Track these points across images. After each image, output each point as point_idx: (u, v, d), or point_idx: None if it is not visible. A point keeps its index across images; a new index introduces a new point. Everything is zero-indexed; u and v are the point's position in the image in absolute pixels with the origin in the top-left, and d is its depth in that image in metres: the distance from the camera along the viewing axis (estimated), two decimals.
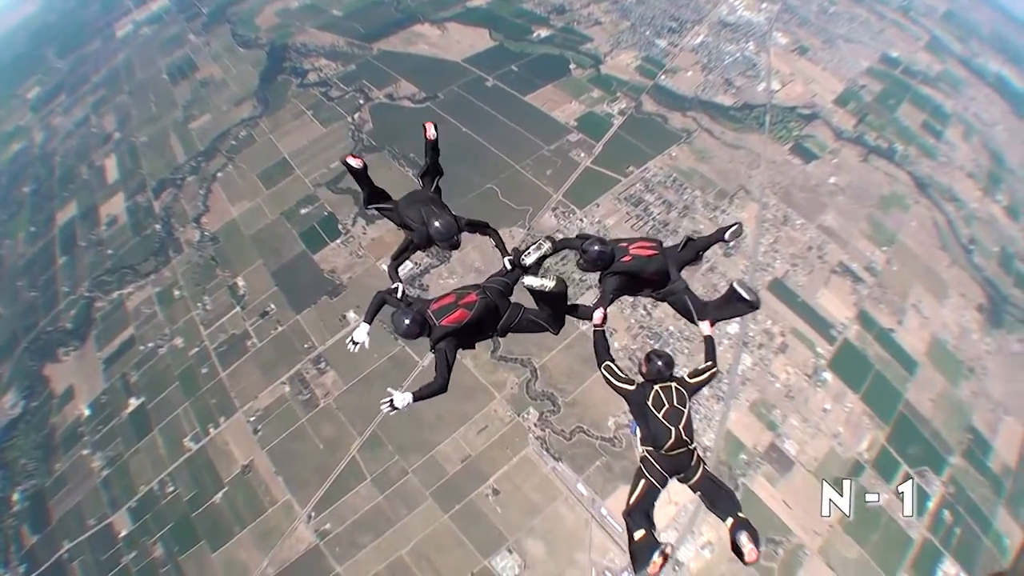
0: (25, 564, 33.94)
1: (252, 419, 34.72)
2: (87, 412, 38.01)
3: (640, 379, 6.79)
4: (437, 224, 7.32)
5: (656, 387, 6.50)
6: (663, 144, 45.40)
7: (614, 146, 45.20)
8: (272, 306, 38.87)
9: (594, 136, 45.78)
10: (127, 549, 32.79)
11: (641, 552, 5.73)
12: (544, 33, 55.16)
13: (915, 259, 40.10)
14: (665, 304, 7.91)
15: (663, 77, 50.80)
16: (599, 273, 7.56)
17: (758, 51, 53.33)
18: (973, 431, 33.87)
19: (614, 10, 57.83)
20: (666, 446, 6.25)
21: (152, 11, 71.68)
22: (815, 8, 59.29)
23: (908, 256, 40.09)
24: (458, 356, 6.89)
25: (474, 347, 7.27)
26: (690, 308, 7.52)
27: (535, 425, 32.54)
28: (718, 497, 6.18)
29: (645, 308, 34.72)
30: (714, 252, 34.45)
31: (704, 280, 35.25)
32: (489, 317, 7.11)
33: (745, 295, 7.17)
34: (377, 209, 8.32)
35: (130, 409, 37.31)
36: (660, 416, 6.32)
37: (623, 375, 6.71)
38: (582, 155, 44.49)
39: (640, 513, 6.11)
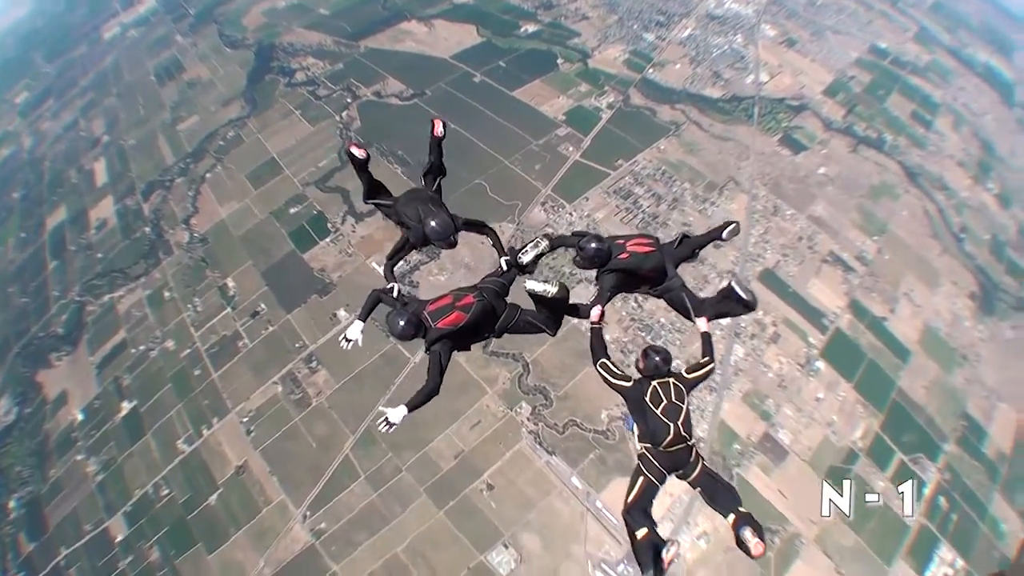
0: (23, 572, 33.89)
1: (245, 420, 34.64)
2: (80, 417, 37.85)
3: (636, 375, 6.71)
4: (434, 223, 7.19)
5: (654, 383, 6.44)
6: (652, 137, 45.39)
7: (603, 140, 45.15)
8: (262, 306, 38.73)
9: (582, 130, 45.73)
10: (123, 554, 32.71)
11: (646, 551, 5.70)
12: (531, 28, 54.99)
13: (906, 248, 40.19)
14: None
15: (651, 71, 50.75)
16: (595, 271, 7.49)
17: (746, 43, 53.28)
18: (967, 418, 34.03)
19: (601, 4, 57.69)
20: (665, 442, 6.18)
21: (139, 13, 71.21)
22: (803, 0, 59.26)
23: (899, 245, 40.18)
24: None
25: (469, 348, 7.14)
26: (687, 305, 7.46)
27: (528, 419, 32.55)
28: (718, 493, 6.12)
29: (636, 300, 34.66)
30: None
31: (695, 272, 35.32)
32: (486, 319, 7.01)
33: (743, 295, 7.11)
34: (376, 204, 8.16)
35: (123, 413, 37.20)
36: (658, 412, 6.26)
37: (619, 372, 6.64)
38: (571, 149, 44.46)
39: (639, 511, 6.04)
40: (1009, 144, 50.37)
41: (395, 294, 7.13)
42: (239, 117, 51.20)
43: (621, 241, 7.47)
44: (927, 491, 31.04)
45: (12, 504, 36.37)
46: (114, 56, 66.34)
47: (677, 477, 6.28)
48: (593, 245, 7.21)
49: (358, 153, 7.64)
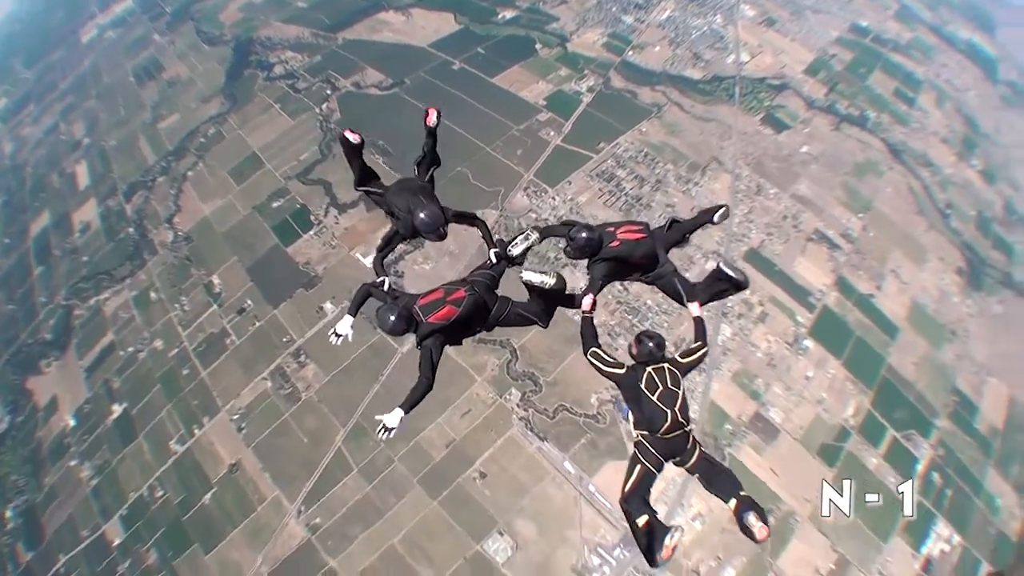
0: None
1: (235, 417, 34.61)
2: (72, 422, 37.79)
3: (629, 361, 6.63)
4: (423, 215, 7.10)
5: (648, 369, 6.32)
6: (633, 119, 45.25)
7: (584, 123, 45.04)
8: (249, 302, 38.62)
9: (563, 114, 45.60)
10: (122, 558, 32.76)
11: (648, 538, 5.62)
12: (509, 14, 54.65)
13: (892, 225, 40.29)
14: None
15: (631, 53, 50.56)
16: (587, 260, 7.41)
17: (725, 24, 53.00)
18: (958, 393, 34.26)
19: None
20: (662, 429, 6.08)
21: (116, 14, 70.64)
22: None
23: (885, 222, 40.27)
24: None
25: (461, 343, 7.08)
26: (679, 290, 7.39)
27: (518, 406, 32.63)
28: (716, 478, 6.03)
29: (622, 283, 34.60)
30: None
31: (680, 253, 35.22)
32: (478, 313, 6.93)
33: (732, 274, 7.04)
34: (366, 192, 8.04)
35: (114, 416, 37.15)
36: (654, 399, 6.14)
37: (612, 359, 6.54)
38: (552, 134, 44.35)
39: (638, 499, 5.96)
40: (993, 120, 50.50)
41: (385, 288, 7.03)
42: (219, 114, 50.87)
43: (611, 229, 7.39)
44: (920, 467, 31.18)
45: (9, 514, 36.36)
46: (92, 58, 65.80)
47: (674, 464, 6.21)
48: (584, 235, 7.11)
49: (352, 138, 7.55)
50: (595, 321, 6.94)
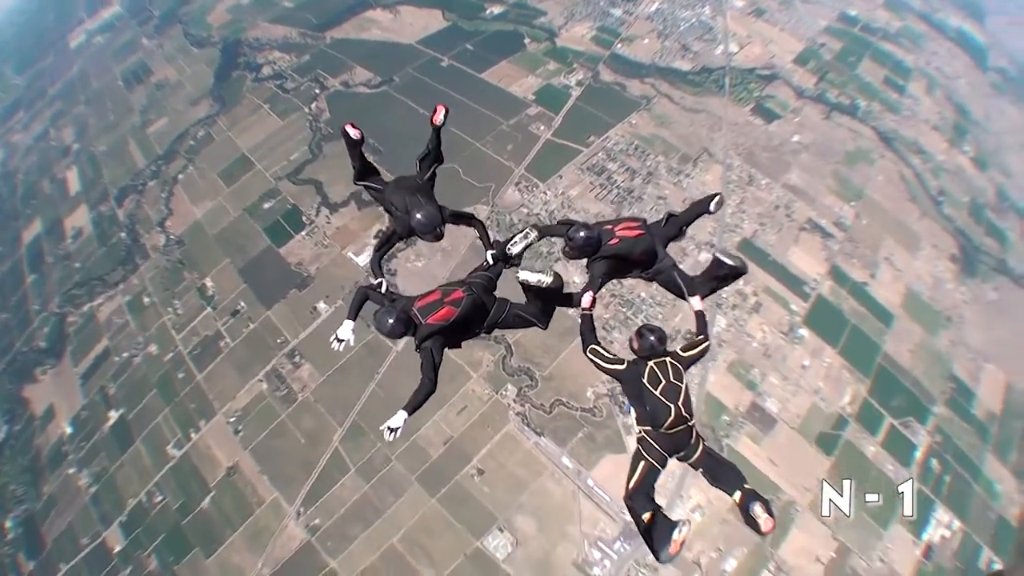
0: None
1: (232, 420, 34.52)
2: (69, 430, 37.66)
3: (629, 357, 6.58)
4: (419, 216, 7.09)
5: (650, 363, 6.28)
6: (623, 112, 45.17)
7: (574, 117, 44.96)
8: (242, 304, 38.50)
9: (553, 108, 45.52)
10: (123, 565, 32.69)
11: (655, 534, 5.60)
12: (497, 10, 54.57)
13: (884, 213, 40.29)
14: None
15: (619, 46, 50.45)
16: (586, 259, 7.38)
17: (714, 15, 52.81)
18: (955, 380, 34.31)
19: None
20: (666, 424, 6.02)
21: (104, 19, 70.38)
22: None
23: (877, 210, 40.27)
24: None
25: (460, 346, 7.07)
26: (680, 285, 7.33)
27: (514, 401, 32.56)
28: (720, 472, 6.04)
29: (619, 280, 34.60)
30: None
31: (674, 245, 35.17)
32: (476, 314, 6.91)
33: (729, 261, 7.04)
34: (365, 186, 8.04)
35: (111, 422, 37.03)
36: (657, 393, 6.10)
37: (611, 355, 6.47)
38: (542, 128, 44.29)
39: (642, 496, 5.93)
40: (983, 108, 50.50)
41: (383, 290, 7.03)
42: (208, 116, 50.69)
43: (609, 227, 7.37)
44: (919, 454, 31.25)
45: (9, 524, 36.23)
46: (81, 64, 65.52)
47: (678, 459, 6.19)
48: (582, 234, 7.06)
49: (352, 133, 7.53)
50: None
